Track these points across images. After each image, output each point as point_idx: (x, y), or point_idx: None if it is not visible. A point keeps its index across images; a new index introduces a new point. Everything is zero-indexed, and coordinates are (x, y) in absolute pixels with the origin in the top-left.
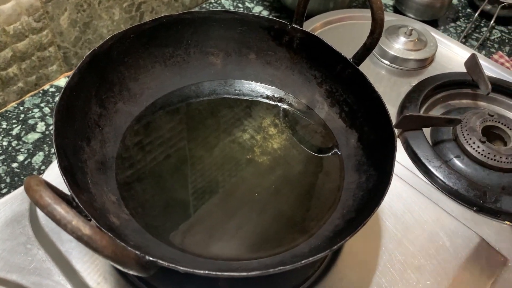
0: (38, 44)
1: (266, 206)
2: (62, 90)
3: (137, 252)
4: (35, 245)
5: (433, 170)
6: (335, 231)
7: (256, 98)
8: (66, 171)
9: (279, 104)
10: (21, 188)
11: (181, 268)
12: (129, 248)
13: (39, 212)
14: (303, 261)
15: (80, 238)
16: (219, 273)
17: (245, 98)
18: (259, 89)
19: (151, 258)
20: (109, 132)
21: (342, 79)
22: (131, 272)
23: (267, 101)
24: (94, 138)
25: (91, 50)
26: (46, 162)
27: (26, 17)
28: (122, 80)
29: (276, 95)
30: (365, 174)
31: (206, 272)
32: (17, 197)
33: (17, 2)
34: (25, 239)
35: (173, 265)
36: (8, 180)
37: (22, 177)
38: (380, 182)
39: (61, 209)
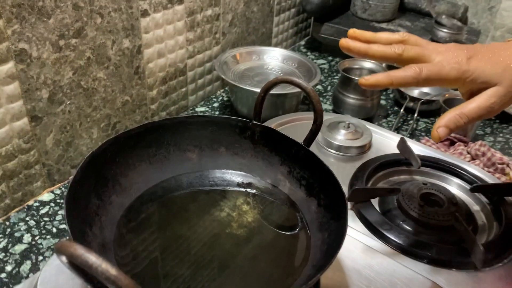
0: (26, 163)
1: (247, 270)
2: (70, 184)
3: None
4: None
5: (384, 232)
6: (309, 280)
7: (228, 187)
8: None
9: (248, 188)
10: (21, 285)
11: None
12: None
13: None
14: None
15: (108, 278)
16: None
17: (218, 188)
18: (230, 177)
19: None
20: (106, 220)
21: (298, 159)
22: None
23: (238, 187)
24: (94, 224)
25: (90, 152)
26: (35, 270)
27: (17, 139)
28: (115, 176)
29: (245, 181)
30: (327, 231)
31: None
32: None
33: (10, 127)
34: None
35: None
36: None
37: (11, 286)
38: (339, 234)
39: (93, 256)
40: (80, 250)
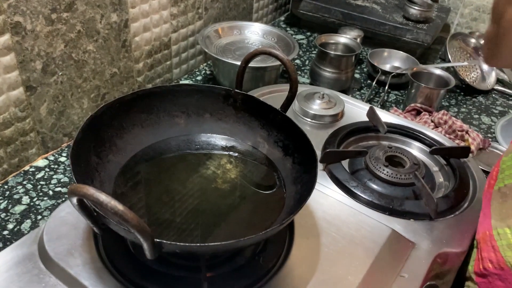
0: (22, 130)
1: (231, 217)
2: (72, 143)
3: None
4: (47, 274)
5: (352, 189)
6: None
7: (213, 151)
8: None
9: (231, 151)
10: (26, 236)
11: (179, 244)
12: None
13: (48, 248)
14: (262, 232)
15: (116, 212)
16: (208, 244)
17: (203, 151)
18: (215, 140)
19: (158, 240)
20: (105, 176)
21: (275, 123)
22: (145, 246)
23: (222, 150)
24: (95, 180)
25: (89, 116)
26: (34, 227)
27: (13, 108)
28: (111, 138)
29: (228, 144)
30: (300, 184)
31: (198, 245)
32: (25, 242)
33: (7, 96)
34: (37, 271)
35: (174, 243)
36: (0, 245)
37: (13, 241)
38: (309, 185)
39: (103, 195)
40: (92, 190)
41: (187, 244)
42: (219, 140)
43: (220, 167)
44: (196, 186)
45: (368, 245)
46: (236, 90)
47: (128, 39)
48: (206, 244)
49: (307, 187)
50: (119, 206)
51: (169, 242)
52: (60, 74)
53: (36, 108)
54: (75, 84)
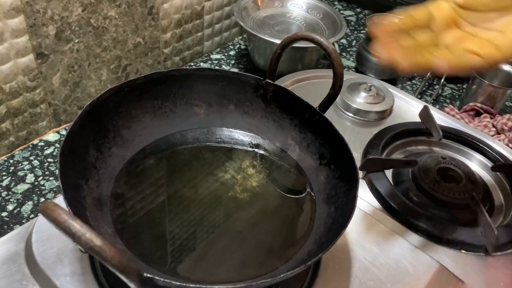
0: (31, 101)
1: (247, 237)
2: (66, 135)
3: (138, 268)
4: (31, 281)
5: (395, 206)
6: (310, 254)
7: (236, 146)
8: (70, 203)
9: (256, 148)
10: (17, 230)
11: (175, 283)
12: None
13: (35, 250)
14: (282, 275)
15: (92, 248)
16: (209, 286)
17: (225, 145)
18: (238, 136)
19: (149, 275)
20: (104, 173)
21: (311, 124)
22: (132, 285)
23: (245, 146)
24: (91, 178)
25: (90, 101)
26: (35, 211)
27: (22, 76)
28: (116, 128)
29: (253, 141)
30: (334, 205)
31: (197, 286)
32: (13, 238)
33: (14, 63)
34: (20, 276)
35: (168, 281)
36: None
37: (11, 225)
38: (347, 210)
39: (76, 224)
40: (63, 216)
41: (183, 284)
42: (243, 136)
43: (240, 172)
44: (210, 193)
45: (409, 281)
46: (267, 80)
47: (156, 6)
48: (208, 286)
49: (343, 212)
50: (96, 241)
51: (162, 280)
52: (76, 41)
53: (48, 78)
54: (93, 53)
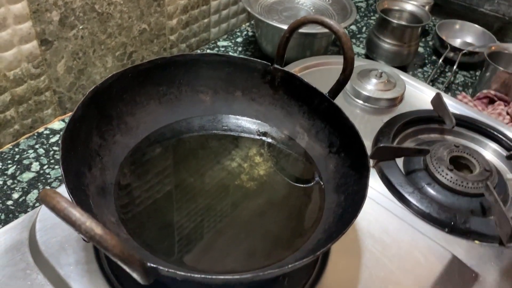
0: (36, 89)
1: (254, 226)
2: (68, 122)
3: (141, 258)
4: (35, 270)
5: (406, 195)
6: (318, 244)
7: (242, 134)
8: (72, 192)
9: (263, 136)
10: (20, 219)
11: (179, 273)
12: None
13: (39, 239)
14: (290, 266)
15: (92, 237)
16: (214, 276)
17: (231, 133)
18: (245, 123)
19: (152, 265)
20: (108, 161)
21: (320, 111)
22: (135, 275)
23: (252, 134)
24: (94, 166)
25: (93, 87)
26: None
27: (26, 63)
28: (120, 115)
29: (260, 129)
30: (343, 194)
31: (203, 276)
32: (17, 227)
33: (18, 50)
34: (24, 265)
35: (172, 271)
36: (3, 217)
37: (17, 214)
38: (357, 199)
39: (76, 212)
40: (62, 204)
41: (188, 274)
42: (250, 124)
43: (247, 160)
44: (217, 182)
45: (421, 273)
46: (275, 66)
47: None
48: (213, 276)
49: (352, 202)
50: (97, 230)
51: (166, 269)
52: (80, 27)
53: (53, 65)
54: (97, 40)
